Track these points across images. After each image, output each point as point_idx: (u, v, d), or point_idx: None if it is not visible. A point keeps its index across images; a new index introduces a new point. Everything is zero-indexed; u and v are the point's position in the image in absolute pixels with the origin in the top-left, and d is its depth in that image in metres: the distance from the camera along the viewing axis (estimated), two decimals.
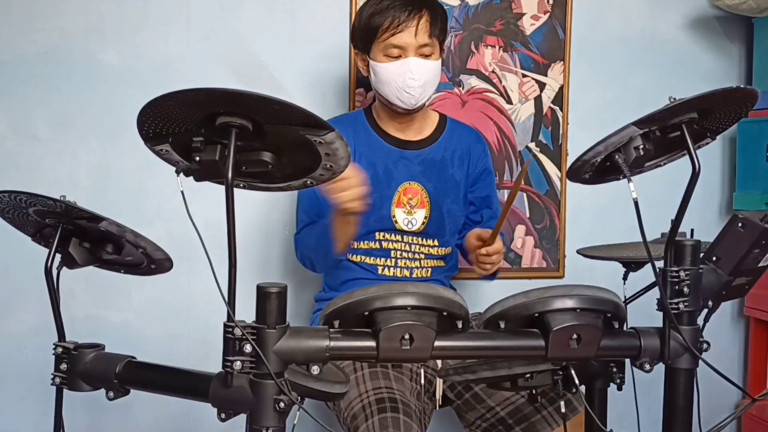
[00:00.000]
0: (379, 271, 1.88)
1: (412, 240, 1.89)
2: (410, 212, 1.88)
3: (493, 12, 2.35)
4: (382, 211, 1.86)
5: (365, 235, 1.86)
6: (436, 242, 1.91)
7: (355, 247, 1.87)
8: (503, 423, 1.70)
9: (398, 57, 1.77)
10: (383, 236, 1.88)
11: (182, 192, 1.06)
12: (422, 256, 1.90)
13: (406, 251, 1.89)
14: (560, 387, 1.30)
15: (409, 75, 1.76)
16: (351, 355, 1.12)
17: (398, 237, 1.88)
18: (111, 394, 1.21)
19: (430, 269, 1.91)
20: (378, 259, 1.88)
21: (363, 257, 1.88)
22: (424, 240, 1.90)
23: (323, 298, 1.96)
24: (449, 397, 1.80)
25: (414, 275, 1.89)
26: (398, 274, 1.88)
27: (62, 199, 1.15)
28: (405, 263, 1.89)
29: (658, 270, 1.16)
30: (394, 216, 1.87)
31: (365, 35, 1.80)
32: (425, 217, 1.89)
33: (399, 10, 1.75)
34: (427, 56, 1.79)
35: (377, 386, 1.65)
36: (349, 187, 1.57)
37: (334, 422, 1.78)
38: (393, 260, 1.88)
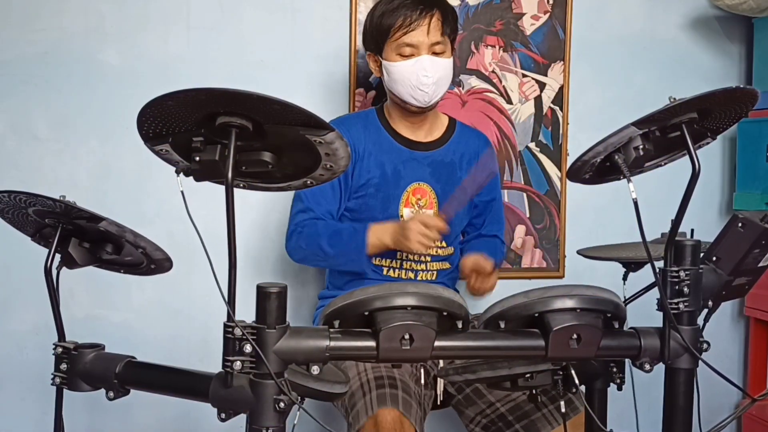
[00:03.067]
0: (384, 272, 1.88)
1: None
2: (418, 212, 1.88)
3: (493, 12, 2.35)
4: (390, 210, 1.86)
5: None
6: (442, 243, 1.91)
7: None
8: (503, 419, 1.70)
9: (411, 55, 1.79)
10: None
11: (182, 192, 1.06)
12: (428, 258, 1.90)
13: (411, 253, 1.88)
14: (560, 387, 1.30)
15: (423, 72, 1.78)
16: (351, 355, 1.12)
17: None
18: (111, 394, 1.21)
19: (435, 272, 1.91)
20: (384, 260, 1.88)
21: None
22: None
23: (327, 296, 1.96)
24: (450, 392, 1.80)
25: (419, 278, 1.89)
26: (403, 276, 1.88)
27: (62, 199, 1.15)
28: (410, 265, 1.89)
29: (658, 270, 1.16)
30: (401, 215, 1.87)
31: (377, 36, 1.82)
32: None
33: (410, 9, 1.77)
34: (439, 54, 1.80)
35: (375, 365, 1.64)
36: (431, 236, 1.70)
37: (334, 422, 1.78)
38: (398, 261, 1.88)
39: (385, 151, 1.88)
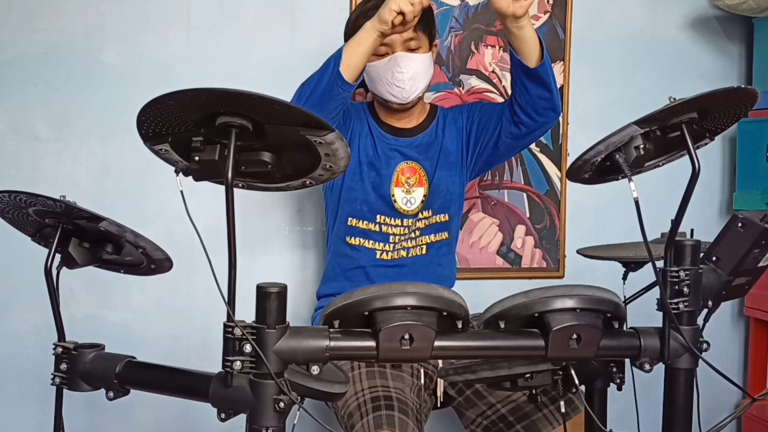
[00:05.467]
0: (378, 255, 1.90)
1: (411, 223, 1.91)
2: (409, 191, 1.91)
3: (493, 12, 2.34)
4: (382, 190, 1.89)
5: (366, 214, 1.89)
6: (429, 213, 1.93)
7: (353, 224, 1.90)
8: (504, 420, 1.70)
9: (386, 54, 1.81)
10: (383, 219, 1.90)
11: (182, 192, 1.06)
12: (418, 233, 1.92)
13: (404, 235, 1.91)
14: (560, 387, 1.30)
15: (397, 69, 1.80)
16: (351, 355, 1.12)
17: (398, 221, 1.91)
18: (111, 394, 1.21)
19: (425, 246, 1.93)
20: (377, 243, 1.90)
21: (362, 240, 1.90)
22: (421, 214, 1.92)
23: (324, 294, 1.97)
24: (450, 395, 1.81)
25: (410, 255, 1.91)
26: (395, 257, 1.91)
27: (62, 199, 1.15)
28: (402, 245, 1.91)
29: (658, 270, 1.16)
30: (393, 195, 1.89)
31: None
32: (424, 195, 1.91)
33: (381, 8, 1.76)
34: (414, 49, 1.81)
35: (373, 384, 1.65)
36: None
37: (334, 422, 1.78)
38: (391, 245, 1.91)
39: (375, 137, 1.93)
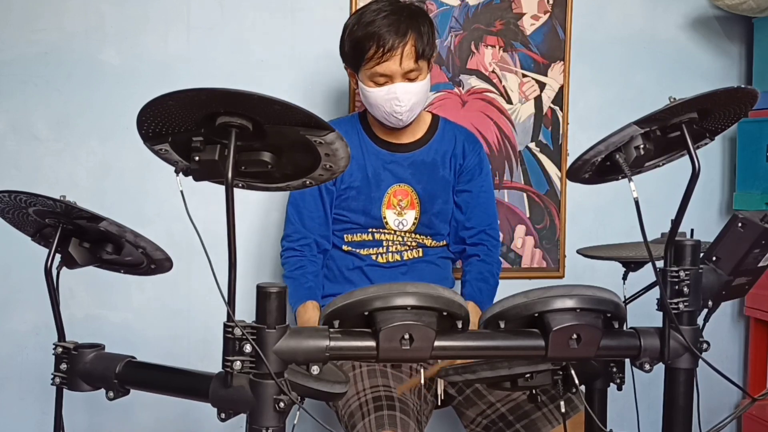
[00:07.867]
0: (373, 258, 1.91)
1: (405, 234, 1.92)
2: (400, 213, 1.91)
3: (493, 12, 2.35)
4: (372, 212, 1.89)
5: (358, 229, 1.90)
6: (429, 240, 1.94)
7: (348, 239, 1.91)
8: (504, 420, 1.70)
9: (385, 83, 1.77)
10: (375, 229, 1.91)
11: (182, 192, 1.06)
12: (414, 244, 1.93)
13: (398, 242, 1.91)
14: (560, 387, 1.30)
15: (396, 102, 1.77)
16: (351, 355, 1.12)
17: (391, 230, 1.92)
18: (111, 394, 1.21)
19: (421, 250, 1.93)
20: (371, 249, 1.91)
21: (356, 248, 1.91)
22: (417, 236, 1.93)
23: (324, 295, 1.97)
24: (450, 394, 1.81)
25: (405, 258, 1.91)
26: (390, 259, 1.91)
27: (62, 199, 1.15)
28: (396, 248, 1.92)
29: (658, 270, 1.16)
30: (384, 217, 1.90)
31: (353, 58, 1.80)
32: (415, 218, 1.91)
33: (384, 37, 1.73)
34: (413, 80, 1.78)
35: (374, 384, 1.65)
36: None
37: (334, 422, 1.78)
38: (385, 248, 1.91)
39: (367, 155, 1.90)
